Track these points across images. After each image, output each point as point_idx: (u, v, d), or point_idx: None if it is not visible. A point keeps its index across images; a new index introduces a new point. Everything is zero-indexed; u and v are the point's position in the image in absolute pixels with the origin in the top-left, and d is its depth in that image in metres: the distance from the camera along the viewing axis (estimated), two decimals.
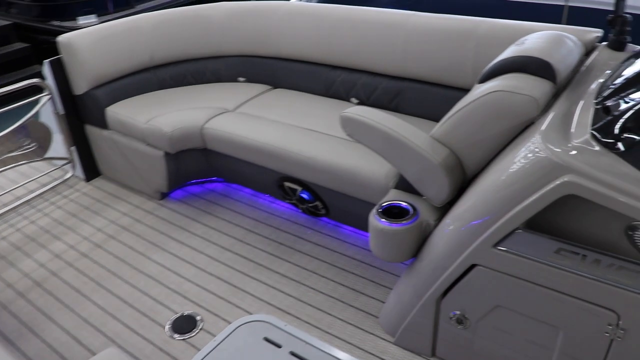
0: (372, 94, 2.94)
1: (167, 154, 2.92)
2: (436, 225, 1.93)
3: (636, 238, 1.45)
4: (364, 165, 2.34)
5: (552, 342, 1.70)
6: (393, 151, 1.94)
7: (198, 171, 3.12)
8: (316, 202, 2.66)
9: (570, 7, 3.56)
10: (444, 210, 1.99)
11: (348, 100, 3.05)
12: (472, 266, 1.74)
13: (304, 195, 2.68)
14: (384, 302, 2.32)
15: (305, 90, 3.23)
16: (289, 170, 2.59)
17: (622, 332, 1.54)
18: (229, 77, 3.45)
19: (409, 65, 2.78)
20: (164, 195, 3.17)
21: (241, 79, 3.44)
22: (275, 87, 3.37)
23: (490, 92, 1.77)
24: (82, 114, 3.21)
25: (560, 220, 1.58)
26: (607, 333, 1.57)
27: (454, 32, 2.64)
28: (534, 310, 1.68)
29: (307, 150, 2.50)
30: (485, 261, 1.69)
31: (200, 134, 2.86)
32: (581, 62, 2.15)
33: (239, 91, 3.27)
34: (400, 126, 1.95)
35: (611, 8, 3.39)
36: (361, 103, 3.00)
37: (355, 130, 2.01)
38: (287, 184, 2.70)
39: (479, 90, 1.84)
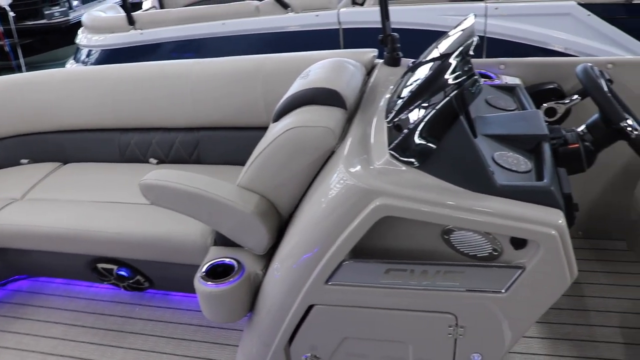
0: (170, 150, 2.82)
1: None
2: (265, 273, 1.88)
3: (452, 240, 1.53)
4: (176, 229, 2.21)
5: (405, 353, 1.74)
6: (202, 210, 1.86)
7: None
8: (137, 276, 2.47)
9: (344, 29, 3.77)
10: (269, 256, 1.94)
11: (147, 162, 2.90)
12: (310, 307, 1.71)
13: (122, 273, 2.47)
14: None
15: (100, 160, 3.01)
16: (99, 251, 2.37)
17: (462, 329, 1.62)
18: (9, 162, 3.09)
19: (202, 113, 2.71)
20: None
21: (24, 160, 3.10)
22: (66, 163, 3.09)
23: (286, 131, 1.77)
24: None
25: (385, 242, 1.61)
26: (450, 334, 1.64)
27: (240, 72, 2.63)
28: (379, 332, 1.70)
29: (112, 226, 2.31)
30: (321, 299, 1.67)
31: None
32: (365, 82, 2.25)
33: (24, 175, 2.94)
34: (204, 182, 1.87)
35: (379, 25, 3.66)
36: (161, 162, 2.87)
37: (158, 197, 1.88)
38: (101, 265, 2.47)
39: (275, 130, 1.83)
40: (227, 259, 1.91)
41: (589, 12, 3.49)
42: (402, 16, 3.72)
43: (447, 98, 1.47)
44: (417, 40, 3.64)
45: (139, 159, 2.91)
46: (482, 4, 3.58)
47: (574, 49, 3.56)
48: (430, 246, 1.57)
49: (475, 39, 1.59)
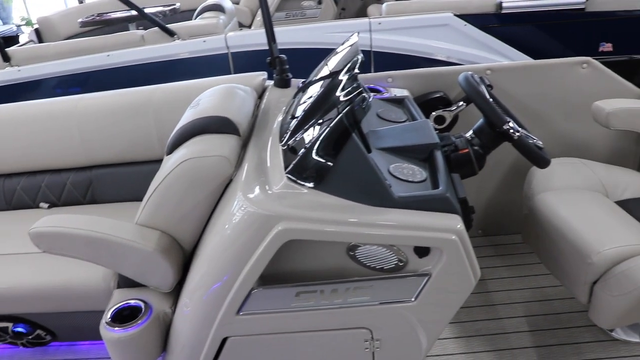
0: (62, 192, 2.67)
1: None
2: (174, 311, 1.81)
3: (358, 256, 1.55)
4: (76, 276, 2.09)
5: None
6: (101, 253, 1.77)
7: None
8: (37, 331, 2.30)
9: (233, 53, 3.76)
10: (176, 292, 1.87)
11: (37, 207, 2.73)
12: (225, 339, 1.67)
13: (20, 329, 2.29)
14: None
15: None
16: None
17: (378, 342, 1.64)
18: None
19: (93, 151, 2.59)
20: None
21: None
22: None
23: (180, 163, 1.72)
24: None
25: (293, 265, 1.60)
26: (367, 349, 1.65)
27: (129, 105, 2.54)
28: (297, 356, 1.69)
29: (2, 280, 2.14)
30: (234, 331, 1.64)
31: None
32: (257, 106, 2.24)
33: None
34: (100, 224, 1.78)
35: (266, 48, 3.67)
36: (53, 205, 2.71)
37: (51, 245, 1.77)
38: None
39: (169, 163, 1.79)
40: (133, 301, 1.83)
41: (465, 23, 3.70)
42: (291, 36, 3.76)
43: (338, 117, 1.49)
44: (308, 59, 3.70)
45: (27, 205, 2.73)
46: (366, 20, 3.69)
47: (456, 57, 3.75)
48: (337, 264, 1.58)
49: (360, 56, 1.63)
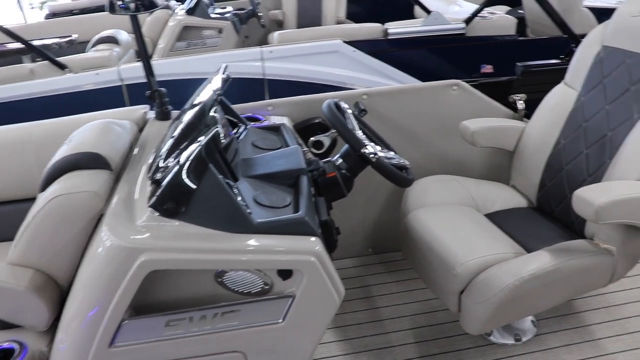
0: None
1: None
2: (51, 349, 1.79)
3: (226, 282, 1.59)
4: None
5: None
6: None
7: None
8: None
9: (128, 85, 3.74)
10: (53, 331, 1.85)
11: None
12: None
13: None
14: None
15: None
16: None
17: None
18: None
19: None
20: None
21: None
22: None
23: (50, 200, 1.72)
24: None
25: (165, 295, 1.62)
26: None
27: (8, 143, 2.49)
28: None
29: None
30: None
31: None
32: (137, 139, 2.26)
33: None
34: None
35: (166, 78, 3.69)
36: None
37: None
38: None
39: (40, 200, 1.78)
40: (6, 343, 1.79)
41: (354, 49, 3.86)
42: (184, 67, 3.79)
43: (196, 151, 1.54)
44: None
45: None
46: (258, 49, 3.78)
47: (347, 82, 3.90)
48: (207, 291, 1.62)
49: (218, 92, 1.70)
